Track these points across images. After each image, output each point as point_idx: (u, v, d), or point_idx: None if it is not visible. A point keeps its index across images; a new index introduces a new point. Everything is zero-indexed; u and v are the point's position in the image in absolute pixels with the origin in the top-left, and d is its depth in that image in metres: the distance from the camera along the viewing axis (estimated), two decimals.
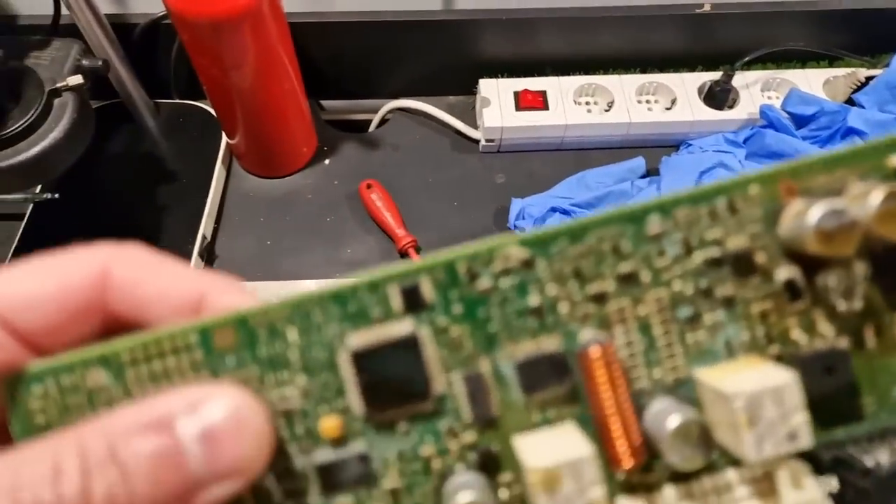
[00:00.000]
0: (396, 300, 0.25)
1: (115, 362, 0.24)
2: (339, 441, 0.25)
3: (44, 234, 0.71)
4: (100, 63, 0.65)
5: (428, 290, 0.25)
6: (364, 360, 0.25)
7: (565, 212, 0.72)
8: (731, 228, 0.25)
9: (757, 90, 0.79)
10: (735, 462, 0.25)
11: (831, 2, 0.80)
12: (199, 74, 0.70)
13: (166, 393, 0.21)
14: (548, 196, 0.73)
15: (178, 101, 0.83)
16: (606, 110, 0.77)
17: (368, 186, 0.78)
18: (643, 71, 0.81)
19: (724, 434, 0.24)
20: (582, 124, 0.75)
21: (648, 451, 0.24)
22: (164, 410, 0.21)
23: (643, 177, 0.75)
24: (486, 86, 0.78)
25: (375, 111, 0.87)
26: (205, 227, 0.72)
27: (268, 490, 0.25)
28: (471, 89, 0.81)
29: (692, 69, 0.82)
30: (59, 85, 0.60)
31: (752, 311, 0.25)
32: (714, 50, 0.80)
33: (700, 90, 0.79)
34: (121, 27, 0.76)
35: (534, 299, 0.25)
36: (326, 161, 0.84)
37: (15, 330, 0.23)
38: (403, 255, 0.70)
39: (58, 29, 0.71)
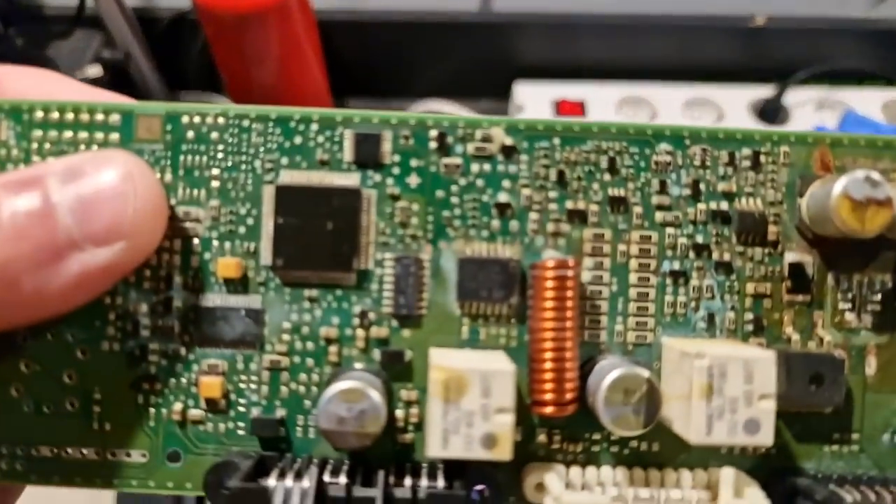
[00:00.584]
0: (348, 148, 0.21)
1: (25, 118, 0.21)
2: (233, 286, 0.21)
3: None
4: (121, 55, 0.63)
5: (387, 149, 0.21)
6: (290, 201, 0.21)
7: None
8: (748, 185, 0.21)
9: (810, 109, 0.72)
10: (670, 453, 0.20)
11: (893, 21, 0.74)
12: (220, 70, 0.67)
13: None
14: None
15: (196, 97, 0.79)
16: (649, 121, 0.73)
17: None
18: (689, 82, 0.77)
19: (674, 407, 0.20)
20: None
21: (585, 413, 0.20)
22: (39, 171, 0.19)
23: None
24: (521, 91, 0.75)
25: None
26: None
27: (137, 321, 0.21)
28: (505, 92, 0.77)
29: (741, 82, 0.77)
30: (76, 76, 0.61)
31: (746, 288, 0.21)
32: (765, 64, 0.74)
33: (749, 106, 0.74)
34: (146, 20, 0.72)
35: (503, 196, 0.21)
36: None
37: None
38: None
39: (81, 19, 0.69)
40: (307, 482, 0.19)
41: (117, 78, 0.68)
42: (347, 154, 0.21)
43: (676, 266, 0.21)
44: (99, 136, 0.21)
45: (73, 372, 0.21)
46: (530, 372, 0.20)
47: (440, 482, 0.19)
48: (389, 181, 0.21)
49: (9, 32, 0.64)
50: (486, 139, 0.21)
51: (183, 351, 0.21)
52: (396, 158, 0.21)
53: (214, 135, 0.21)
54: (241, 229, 0.21)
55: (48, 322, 0.20)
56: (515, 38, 0.76)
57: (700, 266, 0.21)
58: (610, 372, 0.19)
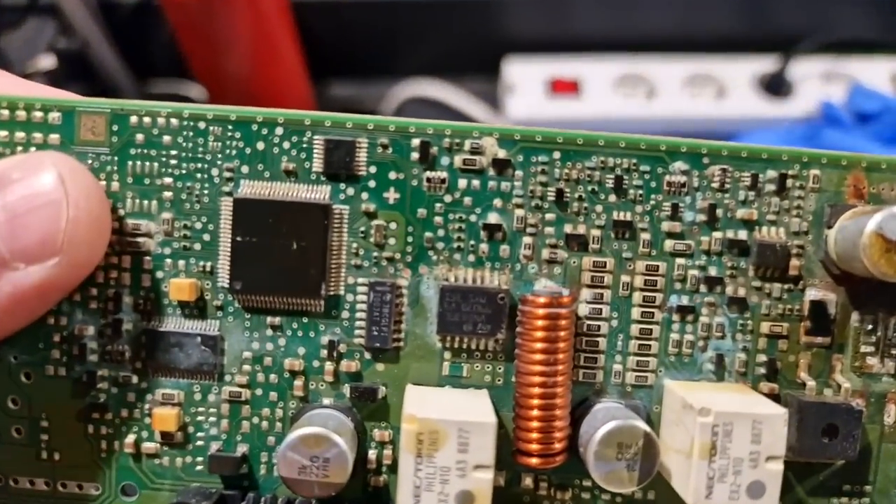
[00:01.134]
0: (318, 157, 0.19)
1: None
2: (188, 310, 0.19)
3: None
4: (78, 44, 0.58)
5: (362, 157, 0.19)
6: (250, 217, 0.18)
7: None
8: (771, 212, 0.19)
9: (815, 81, 0.68)
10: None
11: None
12: (189, 60, 0.63)
13: None
14: None
15: (167, 85, 0.73)
16: (648, 100, 0.69)
17: None
18: (689, 53, 0.73)
19: (673, 461, 0.18)
20: (621, 116, 0.67)
21: (577, 460, 0.18)
22: None
23: None
24: (512, 68, 0.70)
25: (388, 98, 0.79)
26: None
27: (83, 343, 0.19)
28: (495, 69, 0.71)
29: (743, 52, 0.73)
30: (28, 68, 0.54)
31: (762, 327, 0.19)
32: (768, 34, 0.71)
33: (752, 79, 0.70)
34: (108, 6, 0.66)
35: (494, 216, 0.19)
36: None
37: None
38: None
39: (35, 7, 0.64)
40: None
41: (75, 69, 0.63)
42: (317, 163, 0.19)
43: (685, 301, 0.19)
44: (37, 136, 0.19)
45: (17, 397, 0.19)
46: (516, 418, 0.18)
47: None
48: (364, 196, 0.19)
49: None
50: (477, 150, 0.19)
51: (135, 379, 0.19)
52: (373, 170, 0.19)
53: (167, 138, 0.19)
54: (197, 246, 0.19)
55: None
56: (504, 11, 0.71)
57: (711, 302, 0.19)
58: (604, 424, 0.18)
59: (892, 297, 0.19)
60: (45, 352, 0.19)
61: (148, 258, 0.19)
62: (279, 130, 0.18)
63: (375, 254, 0.19)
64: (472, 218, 0.19)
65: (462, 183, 0.19)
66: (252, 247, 0.18)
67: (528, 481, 0.19)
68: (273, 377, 0.19)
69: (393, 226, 0.19)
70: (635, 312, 0.19)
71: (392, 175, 0.19)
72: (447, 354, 0.19)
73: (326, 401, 0.19)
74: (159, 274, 0.19)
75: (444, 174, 0.19)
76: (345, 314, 0.19)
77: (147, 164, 0.19)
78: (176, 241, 0.19)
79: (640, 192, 0.19)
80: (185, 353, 0.19)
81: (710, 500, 0.17)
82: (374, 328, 0.19)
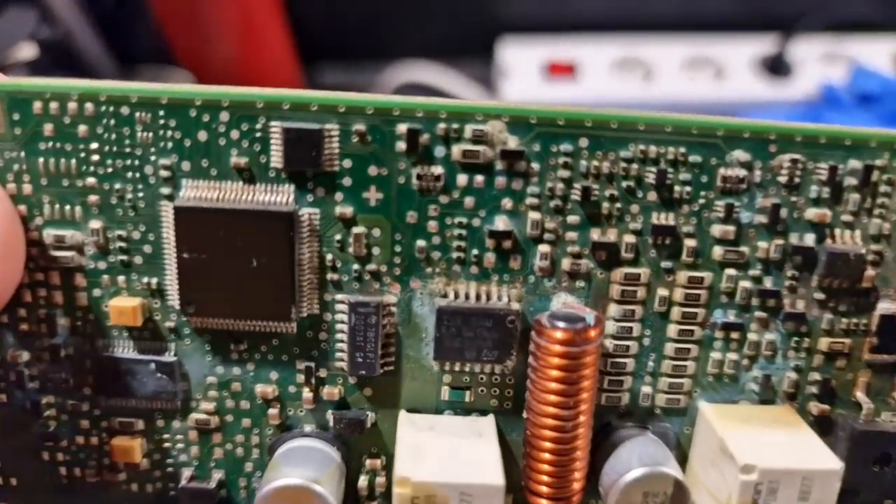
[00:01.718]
0: (277, 150, 0.14)
1: None
2: (138, 332, 0.16)
3: None
4: (60, 33, 0.53)
5: (333, 148, 0.15)
6: (195, 228, 0.15)
7: None
8: (848, 212, 0.15)
9: (815, 62, 0.68)
10: None
11: None
12: (174, 47, 0.59)
13: None
14: None
15: (154, 71, 0.67)
16: (645, 83, 0.66)
17: None
18: (686, 34, 0.69)
19: (704, 499, 0.16)
20: (617, 100, 0.64)
21: (592, 486, 0.16)
22: None
23: None
24: (507, 51, 0.65)
25: (380, 84, 0.72)
26: None
27: (19, 370, 0.16)
28: (489, 50, 0.69)
29: (741, 33, 0.70)
30: (8, 58, 0.50)
31: (820, 344, 0.16)
32: (767, 13, 0.68)
33: (751, 61, 0.68)
34: None
35: (502, 222, 0.15)
36: None
37: None
38: None
39: None
40: None
41: (57, 59, 0.59)
42: (276, 158, 0.15)
43: (732, 317, 0.16)
44: None
45: None
46: (526, 456, 0.16)
47: None
48: (339, 197, 0.15)
49: None
50: (481, 138, 0.14)
51: (85, 406, 0.16)
52: (347, 164, 0.15)
53: (83, 128, 0.14)
54: (138, 259, 0.15)
55: None
56: None
57: (763, 317, 0.16)
58: (629, 469, 0.15)
59: None
60: None
61: (80, 275, 0.15)
62: (224, 116, 0.14)
63: (356, 267, 0.15)
64: (476, 223, 0.15)
65: (462, 180, 0.15)
66: (202, 264, 0.15)
67: None
68: (244, 403, 0.16)
69: (376, 233, 0.15)
70: (671, 330, 0.16)
71: (373, 171, 0.15)
72: (447, 378, 0.16)
73: (308, 428, 0.17)
74: (97, 292, 0.16)
75: (439, 169, 0.15)
76: (322, 335, 0.16)
77: (63, 161, 0.15)
78: (112, 255, 0.15)
79: (688, 189, 0.15)
80: (138, 380, 0.16)
81: None
82: (357, 354, 0.16)
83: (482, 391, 0.16)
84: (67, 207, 0.15)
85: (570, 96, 0.65)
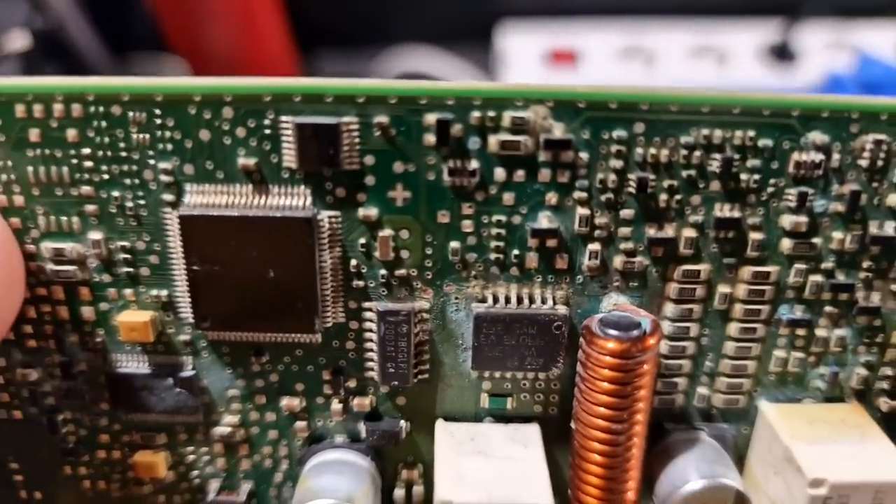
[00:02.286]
0: (290, 148, 0.13)
1: None
2: (151, 347, 0.15)
3: None
4: (53, 23, 0.53)
5: (353, 145, 0.13)
6: (204, 239, 0.13)
7: None
8: None
9: (821, 49, 0.65)
10: None
11: None
12: (169, 35, 0.57)
13: None
14: None
15: (149, 66, 0.66)
16: (647, 70, 0.63)
17: None
18: (689, 19, 0.65)
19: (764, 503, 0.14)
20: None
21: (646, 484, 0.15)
22: None
23: None
24: (506, 37, 0.62)
25: (379, 74, 0.69)
26: None
27: (33, 385, 0.15)
28: (487, 35, 0.66)
29: (745, 18, 0.66)
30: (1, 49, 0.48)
31: (894, 338, 0.14)
32: None
33: (754, 46, 0.65)
34: None
35: (546, 218, 0.13)
36: None
37: None
38: None
39: None
40: None
41: (50, 48, 0.58)
42: (288, 157, 0.13)
43: (799, 314, 0.14)
44: None
45: None
46: (574, 468, 0.15)
47: None
48: (361, 197, 0.13)
49: None
50: (521, 127, 0.13)
51: (104, 421, 0.16)
52: (370, 161, 0.13)
53: (72, 132, 0.13)
54: (145, 271, 0.14)
55: None
56: None
57: (834, 312, 0.14)
58: (687, 481, 0.14)
59: None
60: None
61: (84, 288, 0.14)
62: (228, 112, 0.13)
63: (383, 272, 0.14)
64: (516, 220, 0.14)
65: (500, 174, 0.13)
66: (215, 276, 0.13)
67: None
68: (270, 416, 0.15)
69: (404, 235, 0.14)
70: (732, 328, 0.14)
71: (398, 167, 0.13)
72: (486, 385, 0.15)
73: (339, 439, 0.16)
74: (104, 306, 0.14)
75: (474, 163, 0.13)
76: (350, 344, 0.15)
77: (54, 168, 0.13)
78: (116, 267, 0.14)
79: (756, 176, 0.13)
80: (157, 395, 0.15)
81: None
82: (388, 365, 0.14)
83: (525, 398, 0.15)
84: (64, 218, 0.14)
85: (570, 84, 0.65)
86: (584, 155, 0.13)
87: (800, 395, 0.15)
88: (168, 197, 0.13)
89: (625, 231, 0.14)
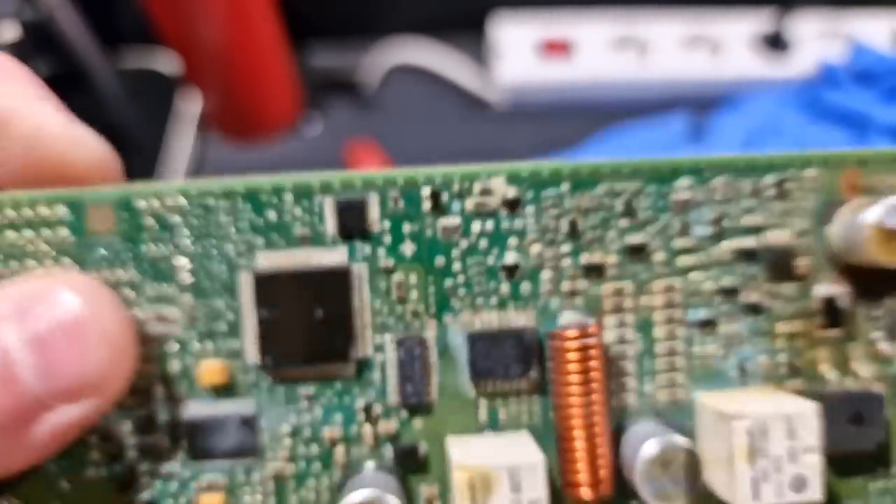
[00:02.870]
0: (330, 218, 0.19)
1: None
2: (221, 392, 0.19)
3: None
4: (42, 15, 0.55)
5: (375, 215, 0.19)
6: (271, 288, 0.18)
7: None
8: (774, 216, 0.20)
9: (815, 39, 0.67)
10: None
11: None
12: (160, 28, 0.61)
13: None
14: None
15: (140, 59, 0.73)
16: (641, 60, 0.66)
17: (361, 149, 0.68)
18: (682, 8, 0.69)
19: (716, 472, 0.18)
20: (613, 78, 0.65)
21: (619, 484, 0.18)
22: None
23: (683, 138, 0.68)
24: (500, 29, 0.64)
25: (372, 66, 0.79)
26: None
27: (121, 441, 0.18)
28: (480, 24, 0.69)
29: (738, 8, 0.69)
30: None
31: (777, 328, 0.20)
32: None
33: (749, 37, 0.66)
34: None
35: (511, 256, 0.19)
36: (315, 124, 0.75)
37: None
38: None
39: None
40: None
41: (40, 40, 0.60)
42: (330, 226, 0.19)
43: (703, 314, 0.20)
44: (46, 234, 0.18)
45: None
46: (560, 451, 0.18)
47: None
48: (381, 252, 0.19)
49: None
50: (486, 192, 0.19)
51: (176, 468, 0.19)
52: (387, 225, 0.19)
53: (177, 219, 0.18)
54: (222, 326, 0.19)
55: None
56: None
57: (729, 312, 0.20)
58: (644, 444, 0.18)
59: (894, 283, 0.20)
60: (84, 455, 0.19)
61: (175, 345, 0.19)
62: (289, 197, 0.18)
63: (399, 309, 0.19)
64: (490, 260, 0.19)
65: (476, 226, 0.19)
66: (277, 320, 0.18)
67: None
68: (314, 448, 0.19)
69: (413, 278, 0.19)
70: (658, 332, 0.19)
71: (406, 228, 0.19)
72: (483, 401, 0.19)
73: (369, 463, 0.19)
74: (188, 360, 0.19)
75: (457, 220, 0.19)
76: (376, 375, 0.19)
77: (161, 247, 0.18)
78: (201, 324, 0.19)
79: (650, 212, 0.19)
80: (223, 435, 0.19)
81: (758, 501, 0.17)
82: (408, 385, 0.19)
83: (513, 408, 0.19)
84: (164, 286, 0.19)
85: (565, 75, 0.64)
86: (530, 209, 0.19)
87: (722, 385, 0.20)
88: (244, 262, 0.19)
89: (566, 262, 0.19)
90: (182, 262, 0.19)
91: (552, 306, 0.19)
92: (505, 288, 0.19)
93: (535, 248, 0.19)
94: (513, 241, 0.19)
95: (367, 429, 0.19)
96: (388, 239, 0.19)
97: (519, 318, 0.19)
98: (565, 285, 0.19)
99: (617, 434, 0.19)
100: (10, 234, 0.18)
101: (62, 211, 0.18)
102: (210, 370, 0.18)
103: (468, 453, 0.17)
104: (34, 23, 0.55)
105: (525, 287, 0.19)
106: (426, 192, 0.19)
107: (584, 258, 0.19)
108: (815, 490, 0.17)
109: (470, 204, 0.19)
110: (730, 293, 0.20)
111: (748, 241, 0.20)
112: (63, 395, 0.15)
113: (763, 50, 0.66)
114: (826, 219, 0.20)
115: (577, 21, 0.67)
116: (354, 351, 0.19)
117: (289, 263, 0.18)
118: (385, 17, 0.75)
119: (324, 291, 0.18)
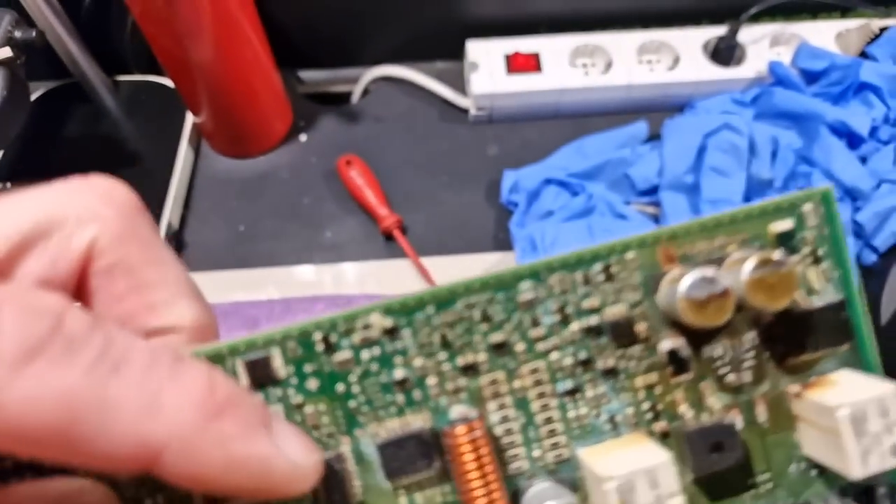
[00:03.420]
0: (243, 376, 0.23)
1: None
2: None
3: None
4: (34, 34, 0.57)
5: (279, 364, 0.23)
6: None
7: (561, 183, 0.64)
8: (608, 296, 0.23)
9: (765, 46, 0.73)
10: None
11: None
12: (154, 50, 0.64)
13: None
14: (543, 167, 0.69)
15: (138, 77, 0.77)
16: (605, 72, 0.72)
17: (348, 163, 0.71)
18: (643, 28, 0.75)
19: None
20: (579, 88, 0.70)
21: None
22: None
23: (645, 142, 0.69)
24: (474, 48, 0.71)
25: (356, 81, 0.82)
26: (171, 213, 0.67)
27: None
28: (460, 53, 0.75)
29: (696, 24, 0.76)
30: None
31: (636, 383, 0.23)
32: (719, 3, 0.76)
33: (704, 47, 0.72)
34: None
35: (399, 372, 0.23)
36: (303, 137, 0.74)
37: None
38: (388, 236, 0.65)
39: None
40: None
41: (36, 60, 0.63)
42: (244, 382, 0.23)
43: (570, 385, 0.23)
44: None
45: None
46: None
47: None
48: (291, 392, 0.23)
49: None
50: (367, 327, 0.23)
51: None
52: (291, 370, 0.23)
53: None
54: None
55: None
56: None
57: (590, 378, 0.23)
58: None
59: (725, 329, 0.23)
60: None
61: None
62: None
63: (316, 434, 0.23)
64: (383, 378, 0.23)
65: (365, 355, 0.23)
66: None
67: None
68: None
69: (321, 407, 0.23)
70: (534, 406, 0.23)
71: (307, 368, 0.23)
72: (401, 492, 0.23)
73: None
74: None
75: (348, 354, 0.23)
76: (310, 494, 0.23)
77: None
78: None
79: (503, 315, 0.23)
80: None
81: None
82: (335, 494, 0.23)
83: (428, 493, 0.23)
84: None
85: (534, 85, 0.72)
86: (406, 331, 0.23)
87: (600, 437, 0.23)
88: None
89: (445, 366, 0.23)
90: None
91: (442, 404, 0.23)
92: (400, 398, 0.23)
93: (418, 362, 0.23)
94: (398, 359, 0.23)
95: None
96: (294, 380, 0.23)
97: (416, 421, 0.23)
98: (449, 385, 0.23)
99: (515, 496, 0.23)
100: None
101: None
102: None
103: None
104: (28, 42, 0.58)
105: (417, 394, 0.23)
106: (318, 336, 0.23)
107: (460, 361, 0.23)
108: None
109: (357, 338, 0.23)
110: (587, 363, 0.23)
111: (591, 320, 0.23)
112: None
113: (718, 58, 0.72)
114: (653, 289, 0.23)
115: (545, 39, 0.74)
116: None
117: None
118: (369, 47, 0.80)
119: None
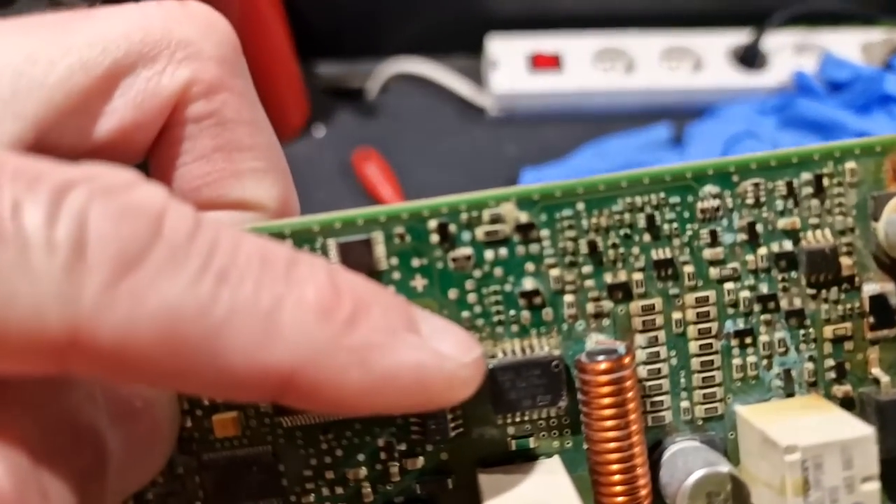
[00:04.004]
0: (335, 260, 0.18)
1: None
2: (237, 443, 0.18)
3: None
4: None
5: (380, 251, 0.18)
6: None
7: None
8: (812, 216, 0.18)
9: (789, 53, 0.73)
10: None
11: None
12: None
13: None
14: (562, 167, 0.67)
15: None
16: (626, 74, 0.73)
17: (364, 157, 0.71)
18: (666, 27, 0.77)
19: (763, 497, 0.17)
20: (600, 89, 0.70)
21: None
22: None
23: (666, 146, 0.69)
24: (495, 45, 0.72)
25: (374, 76, 0.82)
26: None
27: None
28: (478, 47, 0.76)
29: (719, 27, 0.78)
30: None
31: (824, 332, 0.18)
32: (743, 7, 0.75)
33: (728, 52, 0.74)
34: None
35: (529, 282, 0.18)
36: (319, 131, 0.78)
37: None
38: None
39: None
40: None
41: None
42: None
43: (741, 325, 0.18)
44: None
45: None
46: (595, 483, 0.18)
47: None
48: (391, 289, 0.18)
49: None
50: (497, 220, 0.18)
51: None
52: (394, 262, 0.18)
53: None
54: None
55: None
56: None
57: (768, 319, 0.18)
58: (688, 475, 0.17)
59: None
60: None
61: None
62: (288, 242, 0.18)
63: None
64: (508, 288, 0.18)
65: (489, 255, 0.18)
66: None
67: None
68: (339, 489, 0.18)
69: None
70: (693, 346, 0.18)
71: (415, 262, 0.18)
72: (511, 430, 0.18)
73: (397, 500, 0.19)
74: (198, 412, 0.18)
75: (468, 250, 0.18)
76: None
77: None
78: None
79: (675, 225, 0.18)
80: (243, 483, 0.18)
81: None
82: (430, 422, 0.18)
83: (543, 436, 0.18)
84: None
85: (554, 86, 0.70)
86: (545, 231, 0.18)
87: (765, 395, 0.19)
88: None
89: (589, 283, 0.18)
90: None
91: (577, 330, 0.18)
92: (526, 315, 0.18)
93: (555, 272, 0.18)
94: (529, 266, 0.18)
95: (393, 467, 0.18)
96: (397, 275, 0.18)
97: (543, 345, 0.18)
98: (590, 307, 0.18)
99: (652, 450, 0.18)
100: None
101: None
102: (223, 422, 0.18)
103: (499, 493, 0.17)
104: None
105: (547, 312, 0.18)
106: (433, 224, 0.18)
107: (608, 277, 0.18)
108: None
109: (480, 233, 0.18)
110: (768, 300, 0.18)
111: (786, 245, 0.18)
112: None
113: (741, 64, 0.72)
114: (872, 214, 0.18)
115: (567, 37, 0.72)
116: None
117: None
118: (388, 40, 0.79)
119: None
